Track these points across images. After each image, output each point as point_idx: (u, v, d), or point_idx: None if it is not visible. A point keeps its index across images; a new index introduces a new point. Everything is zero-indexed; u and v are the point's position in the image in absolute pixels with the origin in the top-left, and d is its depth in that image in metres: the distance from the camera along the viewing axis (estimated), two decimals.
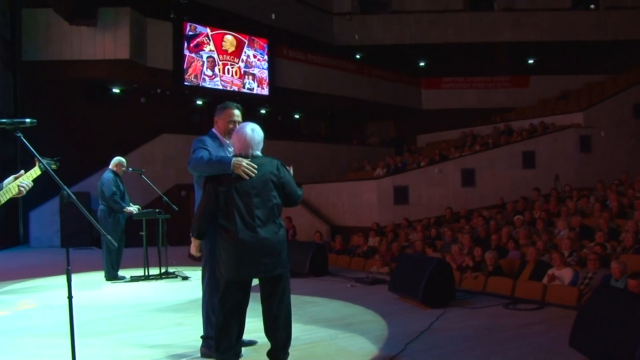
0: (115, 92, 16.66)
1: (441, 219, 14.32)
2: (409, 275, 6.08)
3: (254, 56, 18.36)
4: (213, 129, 4.24)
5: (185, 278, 8.01)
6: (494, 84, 23.03)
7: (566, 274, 7.33)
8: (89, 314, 5.69)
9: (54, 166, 3.72)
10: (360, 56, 22.94)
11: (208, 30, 17.22)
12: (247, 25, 18.44)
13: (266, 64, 18.66)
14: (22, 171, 3.43)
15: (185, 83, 16.75)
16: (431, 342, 4.52)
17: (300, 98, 19.93)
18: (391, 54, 22.80)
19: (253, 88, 18.34)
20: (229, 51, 17.72)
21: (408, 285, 6.01)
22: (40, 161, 3.41)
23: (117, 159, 8.17)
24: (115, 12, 15.03)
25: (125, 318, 5.65)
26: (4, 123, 3.09)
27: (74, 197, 3.15)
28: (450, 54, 22.97)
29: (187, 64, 16.71)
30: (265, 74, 18.62)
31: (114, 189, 7.84)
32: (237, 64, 17.94)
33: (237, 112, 4.26)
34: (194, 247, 3.97)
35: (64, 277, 3.25)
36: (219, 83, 17.49)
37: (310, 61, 19.98)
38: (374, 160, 19.32)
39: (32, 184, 3.41)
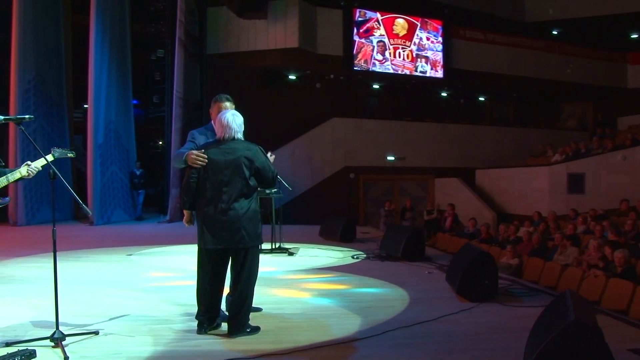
0: (291, 79, 17.78)
1: (614, 212, 12.69)
2: (457, 266, 5.72)
3: (427, 38, 18.05)
4: (211, 121, 4.60)
5: (291, 254, 8.49)
6: None
7: None
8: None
9: (70, 154, 4.22)
10: (556, 32, 20.99)
11: (378, 15, 17.41)
12: (420, 7, 18.16)
13: (440, 45, 18.22)
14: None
15: (355, 68, 17.20)
16: (417, 333, 4.30)
17: (479, 80, 19.04)
18: (591, 27, 20.44)
19: (426, 71, 18.07)
20: (400, 35, 17.70)
21: (453, 276, 5.67)
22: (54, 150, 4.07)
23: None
24: (285, 4, 16.03)
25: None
26: (10, 119, 3.77)
27: (60, 175, 3.77)
28: None
29: (356, 49, 17.13)
30: (439, 56, 18.20)
31: None
32: (409, 47, 17.83)
33: (227, 103, 4.58)
34: (185, 218, 4.53)
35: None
36: (389, 67, 17.60)
37: (490, 40, 18.97)
38: (561, 146, 17.71)
39: (40, 168, 3.86)
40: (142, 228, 13.36)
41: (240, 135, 4.18)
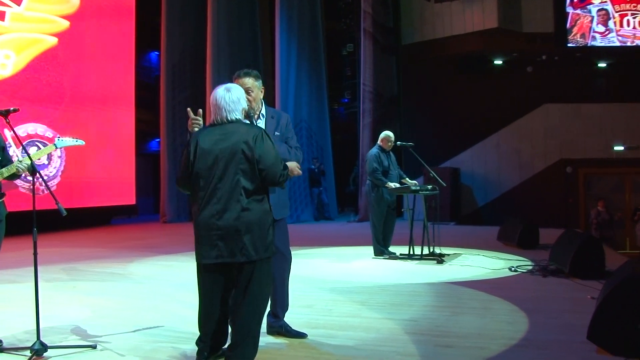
0: (497, 64, 16.00)
1: None
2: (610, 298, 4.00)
3: None
4: None
5: (440, 261, 7.22)
6: None
7: None
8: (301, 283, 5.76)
9: (79, 143, 4.05)
10: None
11: None
12: None
13: None
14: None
15: (569, 45, 14.80)
16: None
17: None
18: None
19: None
20: None
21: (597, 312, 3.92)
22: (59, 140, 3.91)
23: (384, 133, 7.96)
24: None
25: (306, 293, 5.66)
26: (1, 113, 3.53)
27: (38, 170, 3.50)
28: None
29: (571, 22, 14.71)
30: None
31: (375, 165, 7.67)
32: None
33: (247, 79, 3.67)
34: None
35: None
36: (614, 39, 14.79)
37: None
38: None
39: (30, 160, 3.54)
40: (326, 227, 13.07)
41: (237, 115, 3.23)
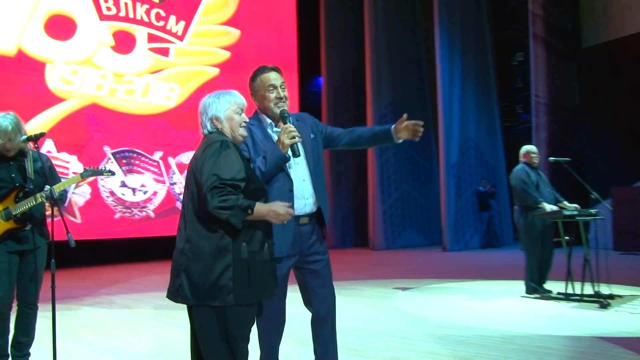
0: None
1: None
2: None
3: None
4: (256, 111, 3.13)
5: (604, 305, 5.77)
6: None
7: None
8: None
9: (106, 174, 4.00)
10: None
11: None
12: None
13: None
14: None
15: None
16: None
17: None
18: None
19: None
20: None
21: None
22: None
23: (525, 147, 6.76)
24: None
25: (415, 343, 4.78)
26: (30, 137, 3.47)
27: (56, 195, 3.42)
28: None
29: None
30: None
31: (524, 178, 6.53)
32: None
33: (272, 74, 3.03)
34: None
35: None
36: None
37: None
38: None
39: (54, 191, 3.45)
40: (490, 256, 11.77)
41: (208, 127, 2.59)
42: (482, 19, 14.27)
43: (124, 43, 11.36)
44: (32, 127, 10.03)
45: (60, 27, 10.58)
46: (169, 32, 11.99)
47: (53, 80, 10.40)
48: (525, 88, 14.11)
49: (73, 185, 10.19)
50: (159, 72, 11.79)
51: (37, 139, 3.44)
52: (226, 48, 12.81)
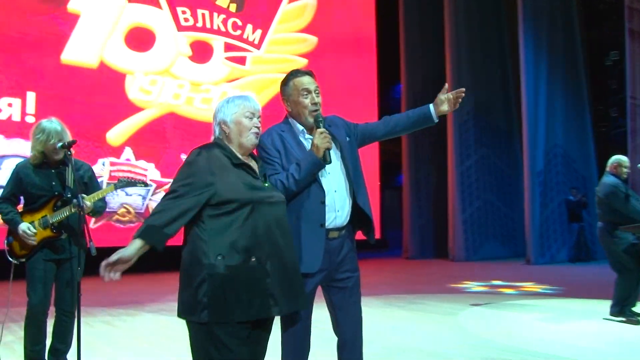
0: None
1: None
2: None
3: None
4: (286, 116, 2.92)
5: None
6: None
7: None
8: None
9: (140, 185, 3.99)
10: None
11: None
12: None
13: None
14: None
15: None
16: None
17: None
18: None
19: None
20: None
21: None
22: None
23: (613, 158, 6.04)
24: None
25: None
26: (63, 145, 3.50)
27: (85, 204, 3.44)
28: None
29: None
30: None
31: (617, 191, 5.87)
32: None
33: (305, 78, 2.84)
34: None
35: None
36: None
37: None
38: None
39: (89, 202, 3.57)
40: (578, 271, 10.94)
41: (216, 133, 2.49)
42: (572, 15, 13.41)
43: (201, 53, 11.60)
44: (113, 136, 10.42)
45: (140, 39, 10.95)
46: (246, 41, 12.12)
47: (133, 91, 10.76)
48: (620, 90, 13.08)
49: (149, 193, 10.47)
50: (236, 80, 11.94)
51: (70, 146, 3.45)
52: (303, 55, 12.80)
